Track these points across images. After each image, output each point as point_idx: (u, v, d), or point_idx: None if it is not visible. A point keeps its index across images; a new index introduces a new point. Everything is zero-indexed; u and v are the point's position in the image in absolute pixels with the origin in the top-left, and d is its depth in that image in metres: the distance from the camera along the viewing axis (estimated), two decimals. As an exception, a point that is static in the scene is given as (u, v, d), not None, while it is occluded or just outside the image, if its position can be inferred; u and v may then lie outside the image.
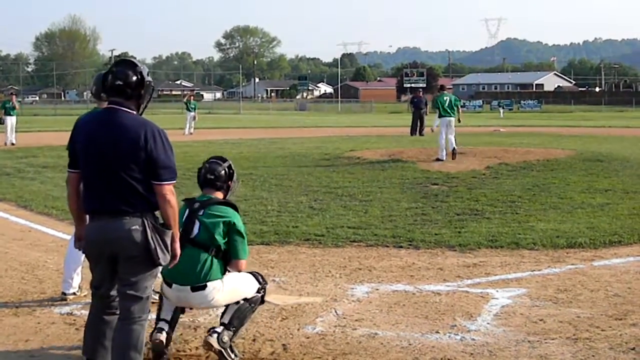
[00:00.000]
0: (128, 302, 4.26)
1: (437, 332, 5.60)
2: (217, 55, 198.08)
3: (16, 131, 26.18)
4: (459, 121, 19.45)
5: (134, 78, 4.25)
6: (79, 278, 6.54)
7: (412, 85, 77.93)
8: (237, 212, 5.07)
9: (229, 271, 4.98)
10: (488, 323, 5.80)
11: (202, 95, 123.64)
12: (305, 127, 39.42)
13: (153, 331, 4.93)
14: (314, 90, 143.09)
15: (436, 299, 6.48)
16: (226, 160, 5.27)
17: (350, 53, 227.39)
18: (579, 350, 5.17)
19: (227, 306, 5.02)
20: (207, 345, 4.88)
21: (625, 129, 37.31)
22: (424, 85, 73.66)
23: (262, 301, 5.25)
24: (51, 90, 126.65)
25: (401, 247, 8.66)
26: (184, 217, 4.88)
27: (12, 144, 25.09)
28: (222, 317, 5.02)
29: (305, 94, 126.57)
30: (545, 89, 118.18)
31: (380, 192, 12.77)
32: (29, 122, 41.85)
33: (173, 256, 4.36)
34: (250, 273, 5.19)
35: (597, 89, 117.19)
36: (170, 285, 4.89)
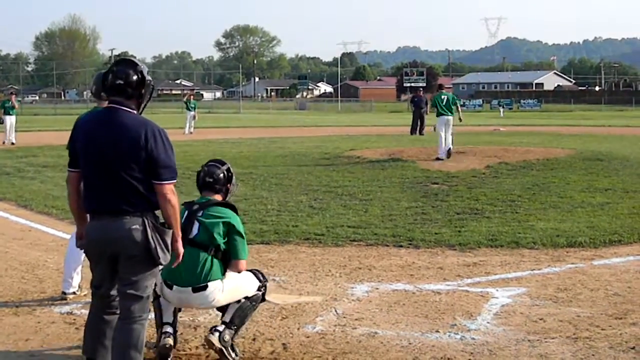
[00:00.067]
0: (128, 302, 4.26)
1: (437, 331, 5.60)
2: (217, 55, 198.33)
3: (16, 131, 26.21)
4: (460, 120, 19.46)
5: (135, 77, 4.25)
6: (79, 277, 6.54)
7: (412, 84, 77.96)
8: (236, 213, 5.09)
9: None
10: (488, 322, 5.80)
11: (202, 94, 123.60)
12: (305, 127, 39.42)
13: (160, 336, 4.94)
14: (314, 90, 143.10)
15: (436, 298, 6.48)
16: (225, 163, 5.28)
17: (350, 52, 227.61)
18: (579, 350, 5.17)
19: (228, 305, 5.02)
20: (209, 344, 4.89)
21: (625, 128, 37.31)
22: (424, 84, 73.63)
23: (263, 299, 5.26)
24: (51, 90, 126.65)
25: (401, 246, 8.66)
26: (183, 218, 4.89)
27: (12, 143, 25.11)
28: (223, 315, 5.03)
29: (305, 93, 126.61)
30: (545, 88, 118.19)
31: (380, 191, 12.77)
32: (29, 121, 41.87)
33: (176, 255, 4.36)
34: (250, 271, 5.20)
35: (597, 88, 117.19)
36: (170, 287, 4.89)
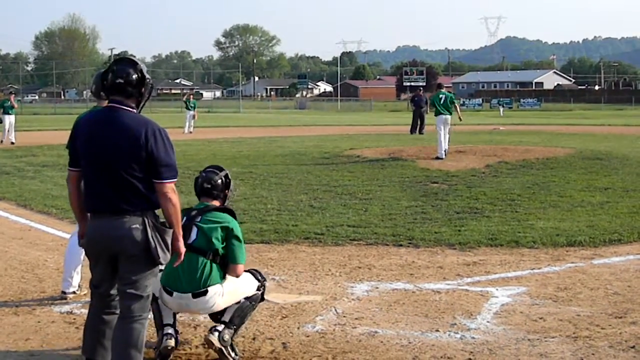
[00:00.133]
0: (128, 301, 4.26)
1: (437, 330, 5.60)
2: (216, 54, 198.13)
3: (16, 130, 26.20)
4: (460, 119, 19.45)
5: (135, 76, 4.25)
6: (79, 277, 6.54)
7: (412, 83, 78.05)
8: (235, 217, 5.08)
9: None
10: (488, 321, 5.80)
11: (201, 94, 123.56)
12: (304, 126, 39.42)
13: (161, 337, 4.94)
14: (314, 89, 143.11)
15: (436, 298, 6.48)
16: (223, 169, 5.29)
17: (349, 51, 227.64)
18: (579, 349, 5.17)
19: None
20: (208, 344, 4.89)
21: (624, 127, 37.30)
22: (424, 83, 73.70)
23: (262, 298, 5.27)
24: (51, 89, 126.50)
25: (401, 245, 8.66)
26: (182, 224, 4.88)
27: (12, 143, 25.11)
28: (223, 315, 5.03)
29: (304, 93, 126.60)
30: (545, 87, 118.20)
31: (380, 191, 12.77)
32: (28, 121, 41.86)
33: (178, 255, 4.36)
34: (249, 271, 5.20)
35: (597, 87, 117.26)
36: (170, 294, 4.89)
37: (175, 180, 4.26)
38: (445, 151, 17.20)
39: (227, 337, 4.89)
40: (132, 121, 4.21)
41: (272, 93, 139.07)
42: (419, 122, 30.19)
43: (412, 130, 30.12)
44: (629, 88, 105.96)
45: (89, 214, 4.34)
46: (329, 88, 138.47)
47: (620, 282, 6.95)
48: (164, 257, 4.27)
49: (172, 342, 4.94)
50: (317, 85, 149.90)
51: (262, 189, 13.15)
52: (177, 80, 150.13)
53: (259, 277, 5.24)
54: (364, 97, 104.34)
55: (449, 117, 17.93)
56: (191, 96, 35.63)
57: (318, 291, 6.72)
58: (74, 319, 5.92)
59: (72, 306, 6.30)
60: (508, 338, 5.41)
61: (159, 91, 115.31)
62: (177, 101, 78.67)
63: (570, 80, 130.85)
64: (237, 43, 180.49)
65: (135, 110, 4.28)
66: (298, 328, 5.67)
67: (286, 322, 5.83)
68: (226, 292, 4.92)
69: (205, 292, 4.84)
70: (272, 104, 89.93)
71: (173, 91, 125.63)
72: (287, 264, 7.80)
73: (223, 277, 4.92)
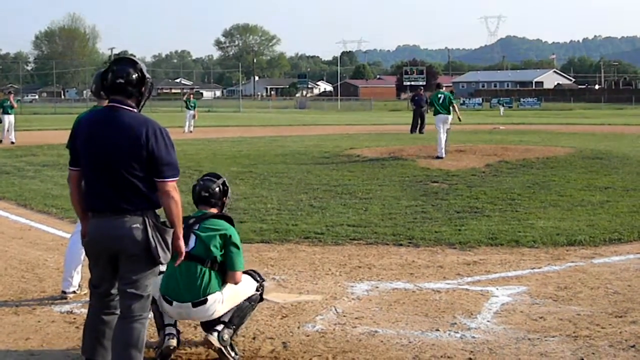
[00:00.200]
0: (128, 301, 4.26)
1: (437, 329, 5.60)
2: (216, 54, 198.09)
3: (15, 130, 26.20)
4: (459, 120, 19.46)
5: (135, 75, 4.25)
6: (79, 276, 6.54)
7: (412, 83, 78.04)
8: (233, 224, 5.08)
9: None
10: (488, 321, 5.80)
11: (201, 93, 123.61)
12: (304, 125, 39.41)
13: (163, 337, 4.94)
14: (314, 89, 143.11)
15: (436, 297, 6.48)
16: (220, 177, 5.28)
17: (349, 51, 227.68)
18: (579, 348, 5.17)
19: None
20: (208, 344, 4.89)
21: (624, 126, 37.28)
22: (424, 82, 73.69)
23: (261, 298, 5.27)
24: (51, 89, 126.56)
25: (401, 244, 8.66)
26: None
27: (12, 142, 25.11)
28: (222, 315, 5.03)
29: (304, 92, 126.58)
30: (545, 86, 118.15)
31: (380, 190, 12.77)
32: (28, 120, 41.87)
33: (178, 254, 4.36)
34: (247, 272, 5.20)
35: (597, 87, 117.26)
36: (170, 303, 4.89)
37: (177, 178, 4.26)
38: (442, 150, 17.20)
39: (226, 336, 4.89)
40: (133, 120, 4.21)
41: (272, 92, 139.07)
42: (419, 122, 30.18)
43: (412, 130, 30.11)
44: (629, 87, 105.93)
45: (89, 213, 4.34)
46: (329, 87, 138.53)
47: (621, 282, 6.95)
48: (165, 256, 4.27)
49: (174, 342, 4.94)
50: (317, 85, 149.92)
51: (262, 189, 13.15)
52: (177, 80, 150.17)
53: (257, 278, 5.25)
54: (364, 97, 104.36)
55: (448, 116, 18.00)
56: (191, 96, 35.65)
57: (318, 291, 6.72)
58: (74, 318, 5.92)
59: (72, 306, 6.30)
60: (508, 337, 5.41)
61: (159, 91, 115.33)
62: (177, 101, 78.70)
63: (570, 80, 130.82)
64: (237, 42, 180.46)
65: (135, 110, 4.28)
66: (298, 327, 5.67)
67: (286, 321, 5.82)
68: (226, 299, 4.92)
69: (205, 301, 4.84)
70: (272, 103, 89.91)
71: (173, 91, 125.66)
72: (287, 264, 7.79)
73: (222, 284, 4.92)
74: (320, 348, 5.22)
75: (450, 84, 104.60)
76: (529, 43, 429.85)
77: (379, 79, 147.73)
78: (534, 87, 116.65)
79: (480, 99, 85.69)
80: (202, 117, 38.36)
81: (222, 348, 4.86)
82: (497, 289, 6.73)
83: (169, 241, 4.28)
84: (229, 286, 4.95)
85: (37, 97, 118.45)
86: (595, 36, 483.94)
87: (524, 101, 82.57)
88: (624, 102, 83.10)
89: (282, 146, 22.13)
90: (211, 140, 25.58)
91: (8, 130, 25.79)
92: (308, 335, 5.49)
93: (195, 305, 4.83)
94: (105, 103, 4.36)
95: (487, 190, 12.52)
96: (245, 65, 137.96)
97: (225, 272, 4.94)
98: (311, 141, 24.25)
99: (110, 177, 4.18)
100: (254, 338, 5.43)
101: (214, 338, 4.85)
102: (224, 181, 5.27)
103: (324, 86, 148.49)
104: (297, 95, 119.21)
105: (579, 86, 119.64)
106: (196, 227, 4.94)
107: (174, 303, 4.87)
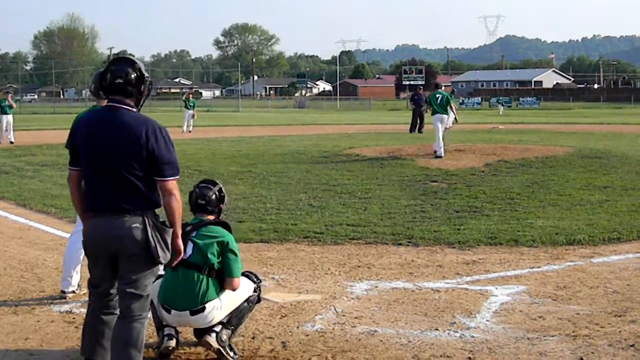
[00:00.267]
0: (128, 300, 4.26)
1: (437, 329, 5.60)
2: (215, 53, 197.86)
3: (14, 129, 26.18)
4: (456, 120, 19.51)
5: (134, 75, 4.25)
6: (78, 276, 6.53)
7: (411, 82, 78.03)
8: (230, 231, 5.06)
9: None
10: (487, 320, 5.80)
11: (200, 93, 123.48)
12: (304, 125, 39.41)
13: (162, 338, 4.94)
14: (313, 88, 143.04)
15: (435, 296, 6.48)
16: (216, 184, 5.25)
17: (348, 50, 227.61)
18: (578, 347, 5.17)
19: None
20: (206, 344, 4.90)
21: (623, 125, 37.29)
22: (423, 82, 73.64)
23: (259, 299, 5.27)
24: (50, 89, 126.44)
25: (400, 244, 8.67)
26: None
27: (11, 142, 25.10)
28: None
29: (304, 92, 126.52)
30: (544, 86, 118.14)
31: (379, 190, 12.77)
32: (27, 120, 41.85)
33: (177, 252, 4.36)
34: (244, 274, 5.19)
35: (596, 86, 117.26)
36: (169, 312, 4.89)
37: (178, 177, 4.27)
38: (442, 149, 17.22)
39: (224, 337, 4.89)
40: (133, 120, 4.21)
41: (271, 92, 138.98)
42: (418, 121, 30.18)
43: (412, 129, 30.11)
44: (628, 86, 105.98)
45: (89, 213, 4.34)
46: (328, 87, 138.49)
47: (620, 281, 6.95)
48: (164, 256, 4.27)
49: (172, 343, 4.94)
50: (316, 84, 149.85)
51: (261, 188, 13.15)
52: (176, 80, 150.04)
53: (254, 279, 5.25)
54: (363, 96, 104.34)
55: (445, 116, 18.19)
56: (190, 95, 35.62)
57: (317, 290, 6.72)
58: (74, 318, 5.92)
59: (71, 305, 6.30)
60: (507, 337, 5.41)
61: (158, 90, 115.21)
62: (176, 100, 78.63)
63: (569, 79, 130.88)
64: (236, 42, 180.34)
65: (135, 109, 4.28)
66: (297, 327, 5.67)
67: (285, 321, 5.83)
68: (224, 305, 4.92)
69: (203, 309, 4.83)
70: (271, 103, 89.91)
71: (172, 90, 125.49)
72: (287, 263, 7.79)
73: (220, 290, 4.91)
74: (320, 347, 5.22)
75: (450, 84, 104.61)
76: (528, 42, 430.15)
77: (378, 78, 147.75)
78: (533, 86, 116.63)
79: (480, 99, 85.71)
80: (201, 116, 38.35)
81: (221, 348, 4.86)
82: (496, 288, 6.73)
83: (169, 241, 4.28)
84: (226, 292, 4.94)
85: (36, 97, 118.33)
86: (594, 35, 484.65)
87: (523, 100, 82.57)
88: (623, 101, 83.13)
89: (281, 146, 22.13)
90: (210, 140, 25.57)
91: (7, 130, 25.76)
92: (307, 335, 5.49)
93: (193, 313, 4.83)
94: (104, 103, 4.36)
95: (486, 190, 12.52)
96: (244, 64, 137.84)
97: (222, 279, 4.93)
98: (310, 141, 24.24)
99: (110, 177, 4.18)
100: (253, 338, 5.43)
101: (212, 339, 4.85)
102: (220, 188, 5.25)
103: (323, 86, 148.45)
104: (296, 94, 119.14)
105: (578, 85, 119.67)
106: (193, 235, 4.92)
107: (172, 312, 4.87)
